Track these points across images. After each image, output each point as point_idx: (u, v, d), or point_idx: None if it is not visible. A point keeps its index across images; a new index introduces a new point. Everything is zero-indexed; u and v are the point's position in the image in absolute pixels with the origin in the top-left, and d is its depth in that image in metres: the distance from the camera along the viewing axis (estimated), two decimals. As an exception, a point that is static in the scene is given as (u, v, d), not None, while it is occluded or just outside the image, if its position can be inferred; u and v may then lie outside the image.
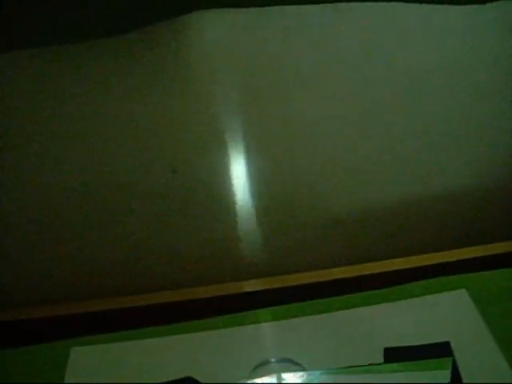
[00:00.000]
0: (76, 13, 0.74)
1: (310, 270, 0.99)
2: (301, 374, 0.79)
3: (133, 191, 0.95)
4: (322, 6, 0.83)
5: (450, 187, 1.06)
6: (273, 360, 0.82)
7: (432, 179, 1.05)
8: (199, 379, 0.80)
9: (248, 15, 0.83)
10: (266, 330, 0.88)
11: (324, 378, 0.78)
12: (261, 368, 0.81)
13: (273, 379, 0.78)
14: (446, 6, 0.86)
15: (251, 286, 0.98)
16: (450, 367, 0.78)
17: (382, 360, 0.81)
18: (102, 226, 0.98)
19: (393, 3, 0.84)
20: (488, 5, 0.86)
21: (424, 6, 0.85)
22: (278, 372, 0.79)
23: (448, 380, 0.76)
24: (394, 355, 0.81)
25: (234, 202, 0.99)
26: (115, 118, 0.88)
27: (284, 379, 0.78)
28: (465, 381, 0.77)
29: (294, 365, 0.80)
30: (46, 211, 0.94)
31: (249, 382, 0.79)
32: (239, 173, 0.97)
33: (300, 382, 0.78)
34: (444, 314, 0.88)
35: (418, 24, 0.89)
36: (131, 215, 0.97)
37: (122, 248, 1.00)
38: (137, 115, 0.89)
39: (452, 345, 0.82)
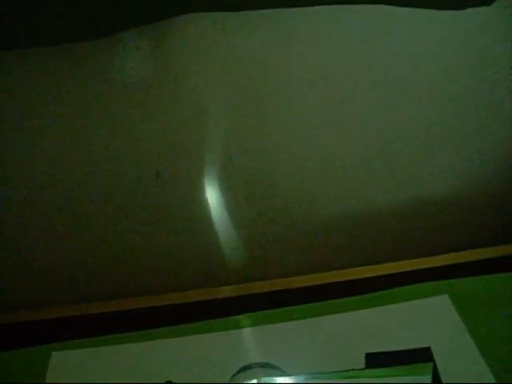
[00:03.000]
0: (65, 15, 0.74)
1: (292, 275, 0.99)
2: (282, 378, 0.79)
3: (117, 194, 0.95)
4: (314, 8, 0.84)
5: (436, 193, 1.07)
6: (254, 365, 0.81)
7: (419, 185, 1.06)
8: (180, 384, 0.80)
9: (237, 18, 0.83)
10: (248, 336, 0.88)
11: (305, 383, 0.78)
12: (242, 373, 0.80)
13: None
14: (434, 12, 0.86)
15: (233, 291, 0.98)
16: (431, 373, 0.78)
17: (363, 365, 0.81)
18: (84, 231, 0.97)
19: (383, 6, 0.84)
20: (471, 9, 0.86)
21: (414, 9, 0.85)
22: (260, 377, 0.79)
23: (429, 385, 0.76)
24: (376, 360, 0.81)
25: (217, 207, 0.99)
26: (100, 121, 0.88)
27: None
28: (446, 386, 0.77)
29: (275, 370, 0.80)
30: (26, 215, 0.94)
31: (230, 386, 0.79)
32: (223, 178, 0.97)
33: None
34: (425, 319, 0.89)
35: (409, 29, 0.90)
36: (112, 220, 0.97)
37: (102, 253, 1.00)
38: (121, 118, 0.88)
39: (433, 350, 0.82)
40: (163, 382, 0.81)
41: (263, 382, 0.78)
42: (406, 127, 0.99)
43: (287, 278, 0.99)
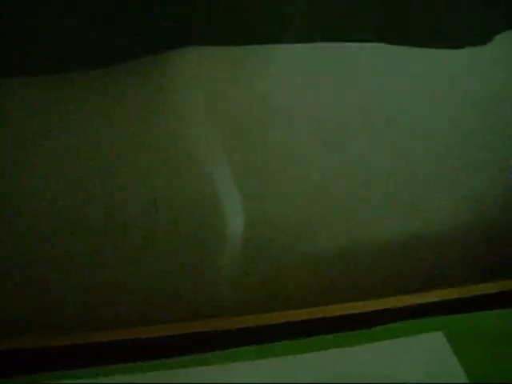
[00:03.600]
0: (66, 44, 0.75)
1: (285, 309, 0.98)
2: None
3: (114, 220, 0.95)
4: (304, 45, 0.85)
5: (433, 228, 1.07)
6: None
7: (417, 220, 1.06)
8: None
9: (233, 53, 0.84)
10: (242, 371, 0.87)
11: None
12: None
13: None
14: (435, 51, 0.88)
15: (228, 323, 0.97)
16: (425, 411, 0.78)
17: (356, 402, 0.80)
18: (75, 261, 0.97)
19: (379, 44, 0.85)
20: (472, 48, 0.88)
21: (411, 48, 0.87)
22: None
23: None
24: (368, 398, 0.80)
25: (213, 234, 0.99)
26: (98, 148, 0.89)
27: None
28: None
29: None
30: (15, 240, 0.94)
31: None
32: (220, 203, 0.97)
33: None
34: (419, 356, 0.88)
35: (403, 66, 0.91)
36: (106, 248, 0.97)
37: (95, 281, 0.99)
38: (119, 146, 0.89)
39: (427, 388, 0.81)
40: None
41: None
42: (404, 162, 0.99)
43: (278, 312, 0.98)
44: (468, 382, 0.83)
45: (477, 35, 0.83)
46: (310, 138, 0.94)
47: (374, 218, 1.04)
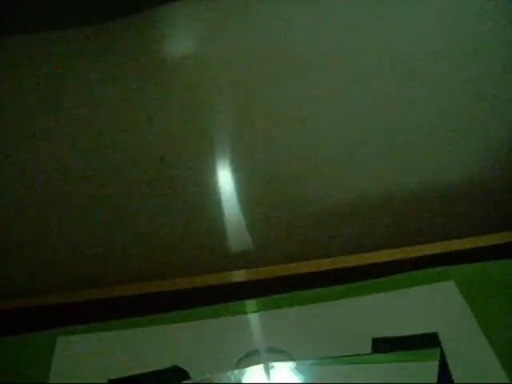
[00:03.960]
0: (59, 1, 0.74)
1: (297, 260, 0.98)
2: (289, 363, 0.79)
3: (122, 179, 0.94)
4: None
5: (442, 180, 1.06)
6: (261, 349, 0.82)
7: (428, 171, 1.05)
8: (186, 368, 0.80)
9: (225, 5, 0.82)
10: (254, 321, 0.88)
11: (312, 368, 0.78)
12: (248, 357, 0.81)
13: (261, 368, 0.78)
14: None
15: (238, 276, 0.98)
16: (438, 358, 0.78)
17: (369, 350, 0.81)
18: (88, 215, 0.97)
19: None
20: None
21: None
22: (266, 361, 0.79)
23: (436, 371, 0.76)
24: (382, 346, 0.81)
25: (221, 194, 0.99)
26: (101, 109, 0.87)
27: (272, 368, 0.78)
28: (453, 372, 0.77)
29: (281, 354, 0.80)
30: (32, 201, 0.94)
31: (236, 371, 0.79)
32: (226, 165, 0.97)
33: (288, 371, 0.78)
34: (432, 305, 0.88)
35: (415, 12, 0.88)
36: (119, 204, 0.97)
37: (106, 237, 1.00)
38: (122, 106, 0.88)
39: (440, 336, 0.82)
40: (169, 366, 0.81)
41: (269, 366, 0.78)
42: (413, 114, 0.98)
43: (292, 264, 0.98)
44: (479, 329, 0.83)
45: None
46: (322, 91, 0.92)
47: (386, 170, 1.03)
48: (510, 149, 1.05)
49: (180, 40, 0.84)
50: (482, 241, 1.01)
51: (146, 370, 0.80)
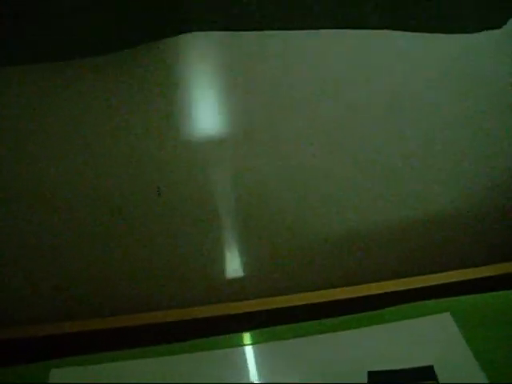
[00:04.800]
0: (66, 32, 0.74)
1: (290, 293, 0.98)
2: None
3: (120, 212, 0.95)
4: (306, 32, 0.84)
5: (438, 211, 1.07)
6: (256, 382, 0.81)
7: (421, 203, 1.06)
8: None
9: (232, 38, 0.84)
10: (250, 353, 0.87)
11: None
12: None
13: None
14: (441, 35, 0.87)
15: (234, 308, 0.97)
16: (434, 391, 0.78)
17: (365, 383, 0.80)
18: (85, 249, 0.97)
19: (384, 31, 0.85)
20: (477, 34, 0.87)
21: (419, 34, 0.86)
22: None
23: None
24: (378, 379, 0.81)
25: (216, 224, 0.99)
26: (100, 142, 0.88)
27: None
28: (448, 405, 0.77)
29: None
30: (27, 230, 0.94)
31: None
32: (222, 194, 0.97)
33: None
34: (428, 337, 0.88)
35: (404, 49, 0.90)
36: (117, 236, 0.97)
37: (104, 270, 0.99)
38: (122, 137, 0.89)
39: (436, 368, 0.81)
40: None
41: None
42: (408, 145, 0.99)
43: (283, 297, 0.98)
44: (475, 361, 0.83)
45: (493, 19, 0.83)
46: (321, 120, 0.94)
47: (380, 202, 1.04)
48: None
49: (179, 69, 0.86)
50: (478, 272, 1.01)
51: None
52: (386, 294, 0.97)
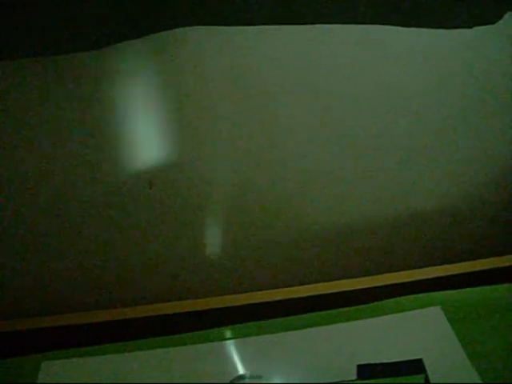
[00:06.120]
0: (62, 27, 0.74)
1: (282, 287, 0.98)
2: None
3: (112, 205, 0.95)
4: (304, 26, 0.84)
5: (426, 206, 1.07)
6: (247, 375, 0.81)
7: (410, 198, 1.06)
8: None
9: (228, 33, 0.84)
10: (238, 347, 0.87)
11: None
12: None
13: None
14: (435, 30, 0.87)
15: (224, 302, 0.97)
16: (423, 384, 0.79)
17: (355, 377, 0.81)
18: (75, 241, 0.97)
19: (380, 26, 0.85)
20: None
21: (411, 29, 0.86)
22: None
23: (420, 397, 0.77)
24: (367, 372, 0.81)
25: (209, 217, 0.99)
26: (92, 131, 0.88)
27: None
28: (437, 398, 0.77)
29: (267, 381, 0.80)
30: (19, 225, 0.93)
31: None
32: (216, 187, 0.97)
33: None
34: (418, 331, 0.88)
35: (398, 45, 0.90)
36: (109, 229, 0.97)
37: (96, 262, 0.99)
38: (114, 129, 0.88)
39: (425, 362, 0.82)
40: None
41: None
42: (397, 140, 0.99)
43: (275, 290, 0.98)
44: (465, 355, 0.83)
45: (487, 14, 0.84)
46: (312, 116, 0.94)
47: (369, 197, 1.04)
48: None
49: (174, 63, 0.86)
50: (468, 266, 1.01)
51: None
52: (375, 287, 0.97)
